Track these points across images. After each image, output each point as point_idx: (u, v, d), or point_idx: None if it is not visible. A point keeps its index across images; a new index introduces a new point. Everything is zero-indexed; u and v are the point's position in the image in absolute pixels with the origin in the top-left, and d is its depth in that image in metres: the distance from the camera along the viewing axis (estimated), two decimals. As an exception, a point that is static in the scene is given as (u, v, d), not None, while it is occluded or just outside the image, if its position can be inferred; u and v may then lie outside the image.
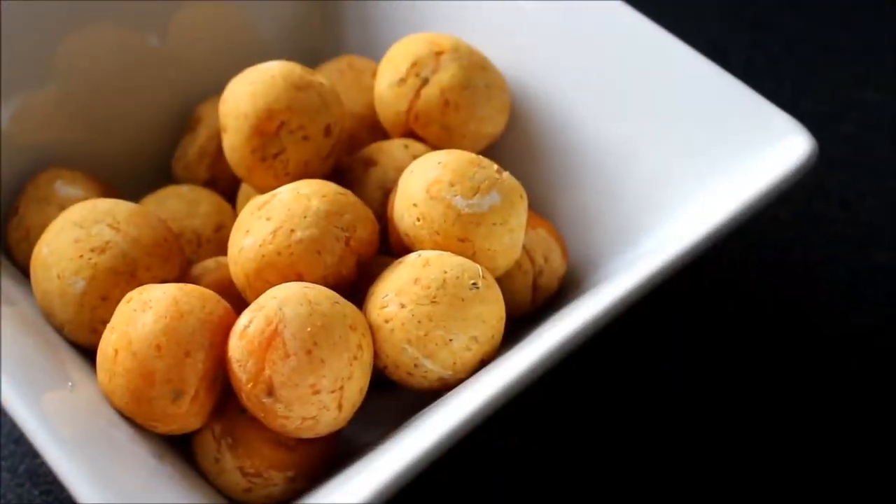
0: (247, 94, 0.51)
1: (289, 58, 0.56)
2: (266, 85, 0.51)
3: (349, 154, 0.56)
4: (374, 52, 0.62)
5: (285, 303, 0.45)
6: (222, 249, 0.55)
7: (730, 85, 0.52)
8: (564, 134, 0.56)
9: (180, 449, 0.49)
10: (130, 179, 0.60)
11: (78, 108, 0.59)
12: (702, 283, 0.62)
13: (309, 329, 0.45)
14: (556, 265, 0.54)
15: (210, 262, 0.52)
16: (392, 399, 0.52)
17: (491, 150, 0.57)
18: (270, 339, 0.45)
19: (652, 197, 0.53)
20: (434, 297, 0.46)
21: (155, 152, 0.62)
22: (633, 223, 0.54)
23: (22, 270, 0.54)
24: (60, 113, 0.59)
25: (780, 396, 0.58)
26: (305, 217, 0.48)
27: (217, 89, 0.62)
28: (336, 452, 0.50)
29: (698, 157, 0.52)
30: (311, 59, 0.61)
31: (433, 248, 0.49)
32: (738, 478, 0.55)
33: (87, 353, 0.50)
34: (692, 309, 0.61)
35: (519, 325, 0.53)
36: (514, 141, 0.57)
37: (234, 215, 0.56)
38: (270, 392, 0.45)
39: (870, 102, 0.70)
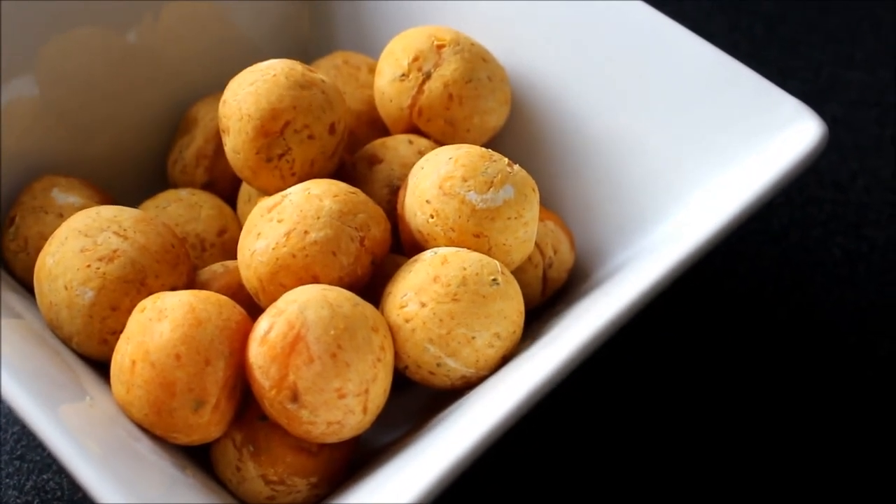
0: (249, 94, 0.50)
1: (279, 56, 0.55)
2: (269, 84, 0.50)
3: (350, 152, 0.55)
4: (365, 49, 0.62)
5: (306, 306, 0.44)
6: (227, 253, 0.54)
7: (737, 70, 0.51)
8: (567, 124, 0.56)
9: (198, 459, 0.48)
10: (121, 184, 0.59)
11: (63, 112, 0.58)
12: (699, 271, 0.62)
13: (332, 332, 0.44)
14: (565, 257, 0.54)
15: (217, 267, 0.51)
16: (404, 399, 0.51)
17: (493, 144, 0.56)
18: (293, 343, 0.44)
19: (659, 186, 0.53)
20: (455, 295, 0.46)
21: (144, 156, 0.61)
22: (641, 213, 0.54)
23: (21, 282, 0.53)
24: (46, 118, 0.57)
25: (781, 379, 0.58)
26: (319, 218, 0.47)
27: (207, 89, 0.61)
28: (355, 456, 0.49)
29: (707, 145, 0.52)
30: (301, 56, 0.60)
31: (448, 245, 0.48)
32: (737, 458, 0.55)
33: (96, 364, 0.49)
34: (690, 296, 0.61)
35: (528, 317, 0.52)
36: (516, 133, 0.57)
37: (236, 218, 0.55)
38: (295, 398, 0.44)
39: (855, 82, 0.71)
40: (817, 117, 0.49)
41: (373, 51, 0.61)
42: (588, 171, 0.56)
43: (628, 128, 0.54)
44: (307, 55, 0.62)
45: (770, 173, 0.48)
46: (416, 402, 0.52)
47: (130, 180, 0.60)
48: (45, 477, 0.53)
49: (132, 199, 0.56)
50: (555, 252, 0.53)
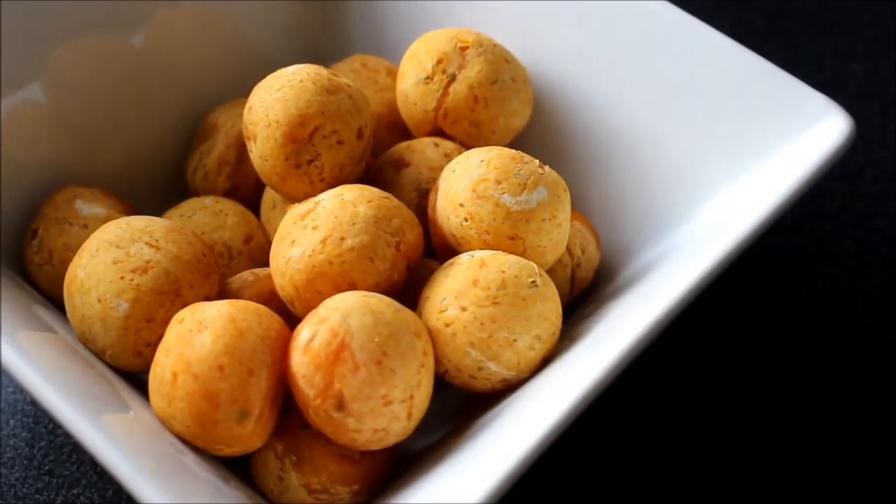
0: (277, 100, 0.49)
1: (291, 59, 0.55)
2: (296, 90, 0.49)
3: (373, 156, 0.55)
4: (378, 50, 0.61)
5: (349, 313, 0.44)
6: (253, 261, 0.53)
7: (761, 66, 0.52)
8: (588, 123, 0.56)
9: (234, 471, 0.48)
10: (135, 193, 0.58)
11: (73, 121, 0.57)
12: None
13: (377, 339, 0.44)
14: (592, 256, 0.54)
15: (247, 275, 0.51)
16: (434, 403, 0.51)
17: (515, 144, 0.56)
18: (338, 352, 0.43)
19: (684, 184, 0.53)
20: (495, 298, 0.46)
21: (158, 164, 0.60)
22: (666, 212, 0.54)
23: (46, 295, 0.52)
24: (55, 128, 0.56)
25: (796, 372, 0.58)
26: (354, 224, 0.47)
27: (219, 95, 0.60)
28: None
29: (732, 142, 0.52)
30: (314, 60, 0.59)
31: (482, 248, 0.48)
32: (751, 452, 0.56)
33: (127, 376, 0.49)
34: (704, 293, 0.61)
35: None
36: (538, 133, 0.57)
37: (261, 225, 0.55)
38: (341, 406, 0.43)
39: (857, 74, 0.71)
40: (844, 112, 0.50)
41: (386, 52, 0.61)
42: (611, 171, 0.56)
43: (651, 125, 0.54)
44: (320, 58, 0.61)
45: (801, 169, 0.48)
46: (448, 405, 0.51)
47: (144, 189, 0.59)
48: (74, 492, 0.52)
49: (147, 207, 0.55)
50: (583, 252, 0.53)
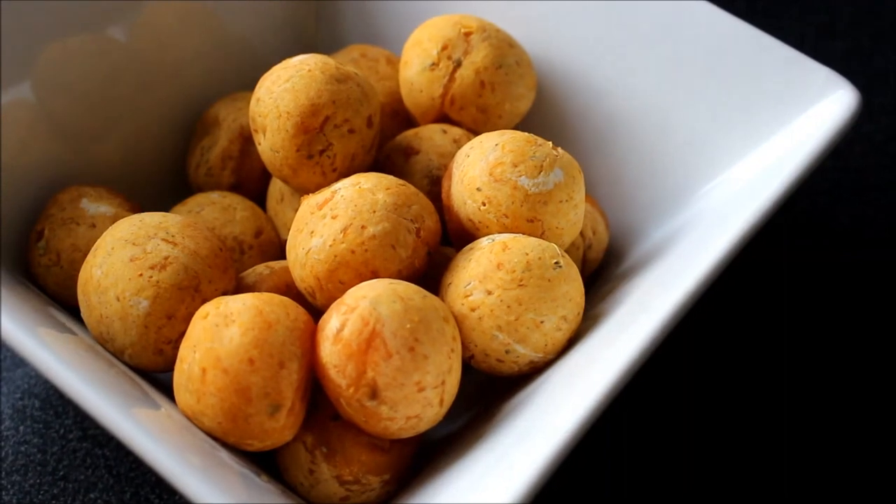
0: (286, 91, 0.49)
1: (285, 54, 0.54)
2: (306, 80, 0.49)
3: (379, 145, 0.55)
4: (372, 43, 0.61)
5: (378, 301, 0.44)
6: (264, 255, 0.53)
7: (765, 42, 0.52)
8: (592, 105, 0.56)
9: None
10: (134, 192, 0.57)
11: (65, 120, 0.56)
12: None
13: (408, 326, 0.43)
14: (602, 238, 0.54)
15: (262, 269, 0.50)
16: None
17: (519, 129, 0.56)
18: (369, 339, 0.43)
19: (691, 164, 0.54)
20: (521, 281, 0.46)
21: (155, 161, 0.59)
22: (673, 191, 0.54)
23: (55, 298, 0.51)
24: (47, 127, 0.55)
25: (799, 346, 0.59)
26: (375, 212, 0.46)
27: (214, 90, 0.59)
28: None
29: (739, 120, 0.52)
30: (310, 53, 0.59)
31: (501, 232, 0.48)
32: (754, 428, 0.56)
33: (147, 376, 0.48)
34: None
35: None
36: (541, 117, 0.57)
37: (269, 219, 0.54)
38: (374, 394, 0.43)
39: (839, 51, 0.72)
40: (850, 84, 0.50)
41: (380, 46, 0.60)
42: (616, 152, 0.56)
43: (656, 105, 0.54)
44: (314, 52, 0.61)
45: (814, 143, 0.48)
46: (468, 391, 0.51)
47: (142, 187, 0.58)
48: (91, 496, 0.52)
49: (146, 205, 0.55)
50: (594, 233, 0.53)
